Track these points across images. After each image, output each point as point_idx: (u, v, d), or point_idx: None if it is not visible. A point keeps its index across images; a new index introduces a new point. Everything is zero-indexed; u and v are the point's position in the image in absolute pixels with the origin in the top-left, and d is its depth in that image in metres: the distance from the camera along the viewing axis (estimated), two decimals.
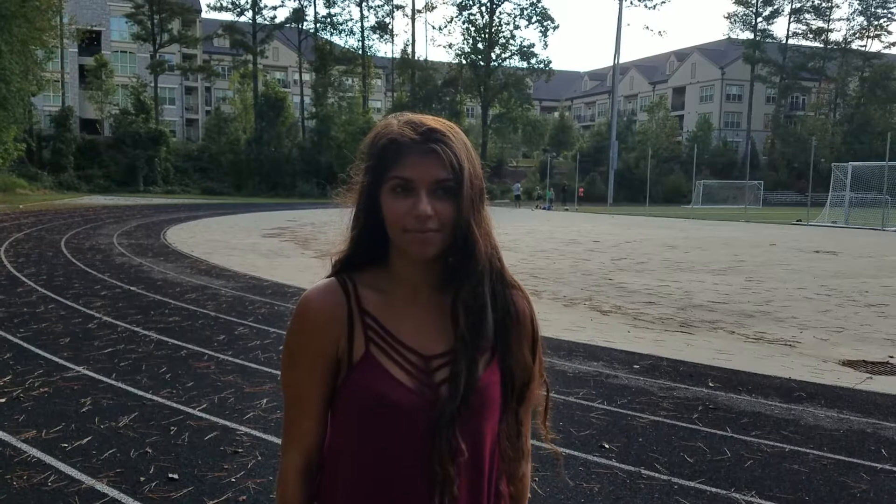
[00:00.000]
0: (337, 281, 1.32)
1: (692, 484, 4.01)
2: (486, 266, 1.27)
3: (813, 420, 5.23)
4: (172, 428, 4.65)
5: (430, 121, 1.26)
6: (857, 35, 72.98)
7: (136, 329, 7.64)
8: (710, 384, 6.14)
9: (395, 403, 1.24)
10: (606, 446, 4.55)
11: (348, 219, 1.32)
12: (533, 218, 37.56)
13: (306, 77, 63.90)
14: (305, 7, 62.38)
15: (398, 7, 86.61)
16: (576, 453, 4.41)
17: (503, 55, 65.47)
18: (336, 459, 1.31)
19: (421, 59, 67.33)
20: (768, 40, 72.23)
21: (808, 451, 4.59)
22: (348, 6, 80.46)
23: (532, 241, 21.54)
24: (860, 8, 72.47)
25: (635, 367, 6.69)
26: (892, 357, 7.43)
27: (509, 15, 75.84)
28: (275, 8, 79.82)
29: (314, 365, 1.29)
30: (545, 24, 65.88)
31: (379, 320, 1.29)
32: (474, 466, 1.27)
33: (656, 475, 4.12)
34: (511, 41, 65.35)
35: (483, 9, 64.77)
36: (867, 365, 7.08)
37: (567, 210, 48.46)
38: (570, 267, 15.06)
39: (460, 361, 1.25)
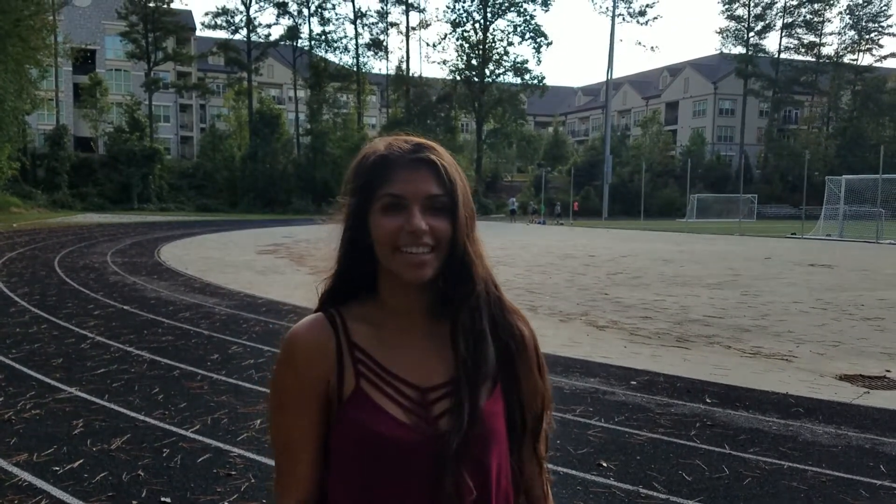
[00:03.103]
0: (324, 315, 1.24)
1: (691, 503, 3.97)
2: (482, 289, 1.21)
3: (811, 436, 5.20)
4: (165, 450, 4.60)
5: (419, 138, 1.22)
6: (848, 49, 73.66)
7: (129, 349, 7.58)
8: (708, 400, 6.10)
9: (389, 440, 1.16)
10: (604, 465, 4.51)
11: (335, 247, 1.25)
12: (528, 232, 37.59)
13: (301, 94, 64.10)
14: (300, 25, 62.81)
15: (392, 24, 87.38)
16: (573, 472, 4.36)
17: (497, 71, 65.84)
18: (334, 500, 1.22)
19: (415, 75, 67.65)
20: (760, 55, 72.81)
21: (806, 467, 4.55)
22: (343, 24, 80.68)
23: (528, 256, 21.53)
24: (851, 22, 73.14)
25: (632, 383, 6.66)
26: (889, 371, 7.40)
27: (503, 31, 76.22)
28: (269, 26, 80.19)
29: (305, 406, 1.20)
30: (539, 40, 66.33)
31: (370, 353, 1.21)
32: (481, 502, 1.19)
33: (655, 494, 4.08)
34: (505, 57, 65.78)
35: (477, 26, 65.22)
36: (864, 379, 7.06)
37: (562, 224, 48.53)
38: (566, 281, 15.04)
39: (462, 391, 1.18)
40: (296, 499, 1.22)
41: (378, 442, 1.16)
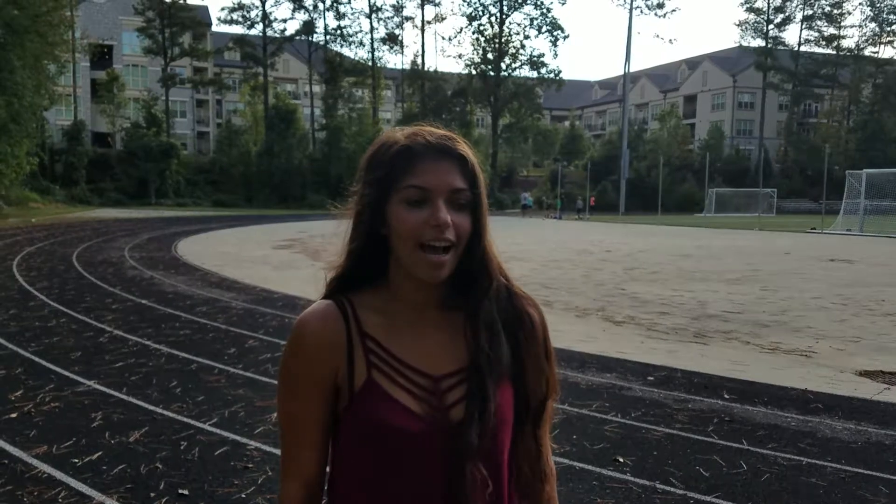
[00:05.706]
0: (334, 303, 1.24)
1: (708, 498, 3.94)
2: (497, 282, 1.23)
3: (830, 432, 5.15)
4: (183, 443, 4.63)
5: (443, 129, 1.22)
6: (869, 41, 72.73)
7: (147, 343, 7.63)
8: (726, 396, 6.06)
9: (402, 431, 1.15)
10: (621, 460, 4.48)
11: (345, 234, 1.25)
12: (544, 227, 37.49)
13: (316, 89, 64.24)
14: (315, 19, 62.89)
15: (408, 18, 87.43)
16: (589, 467, 4.35)
17: (513, 65, 65.69)
18: (342, 490, 1.23)
19: (431, 69, 67.62)
20: (780, 47, 72.02)
21: (825, 463, 4.51)
22: (358, 18, 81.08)
23: (543, 251, 21.47)
24: (872, 14, 72.24)
25: (649, 378, 6.62)
26: None
27: (519, 25, 76.55)
28: (285, 21, 79.76)
29: (312, 394, 1.21)
30: (555, 33, 66.11)
31: (381, 343, 1.21)
32: (495, 493, 1.19)
33: (672, 489, 4.05)
34: (521, 51, 65.59)
35: (493, 19, 65.10)
36: (885, 375, 6.98)
37: (582, 219, 48.34)
38: (583, 277, 14.99)
39: (479, 381, 1.17)
40: (300, 480, 1.24)
41: (390, 433, 1.16)
